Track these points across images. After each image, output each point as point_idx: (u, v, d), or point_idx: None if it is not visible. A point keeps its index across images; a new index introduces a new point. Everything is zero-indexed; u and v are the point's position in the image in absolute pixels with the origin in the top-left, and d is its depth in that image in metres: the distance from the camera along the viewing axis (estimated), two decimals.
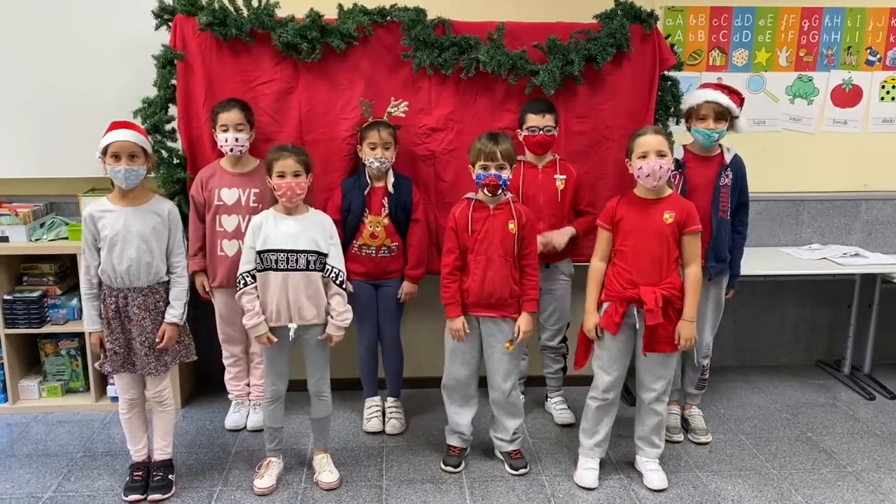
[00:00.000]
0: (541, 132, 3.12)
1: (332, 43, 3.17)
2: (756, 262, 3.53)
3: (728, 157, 3.12)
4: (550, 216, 3.18)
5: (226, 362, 3.39)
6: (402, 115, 3.21)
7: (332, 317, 2.79)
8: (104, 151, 2.60)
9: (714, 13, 3.75)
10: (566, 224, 3.24)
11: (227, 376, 3.42)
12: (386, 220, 3.19)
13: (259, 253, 2.72)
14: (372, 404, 3.43)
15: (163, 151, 3.25)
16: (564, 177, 3.20)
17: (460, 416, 3.02)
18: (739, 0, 3.74)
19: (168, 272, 2.75)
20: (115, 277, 2.66)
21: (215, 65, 3.22)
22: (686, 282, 2.78)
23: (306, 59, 3.19)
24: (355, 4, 3.23)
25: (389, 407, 3.43)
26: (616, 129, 3.39)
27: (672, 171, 3.02)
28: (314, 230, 2.76)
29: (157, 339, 2.71)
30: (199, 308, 3.32)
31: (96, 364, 2.79)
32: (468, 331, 2.88)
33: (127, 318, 2.69)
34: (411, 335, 3.63)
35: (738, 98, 3.09)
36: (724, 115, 3.04)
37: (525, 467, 3.00)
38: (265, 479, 2.87)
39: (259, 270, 2.73)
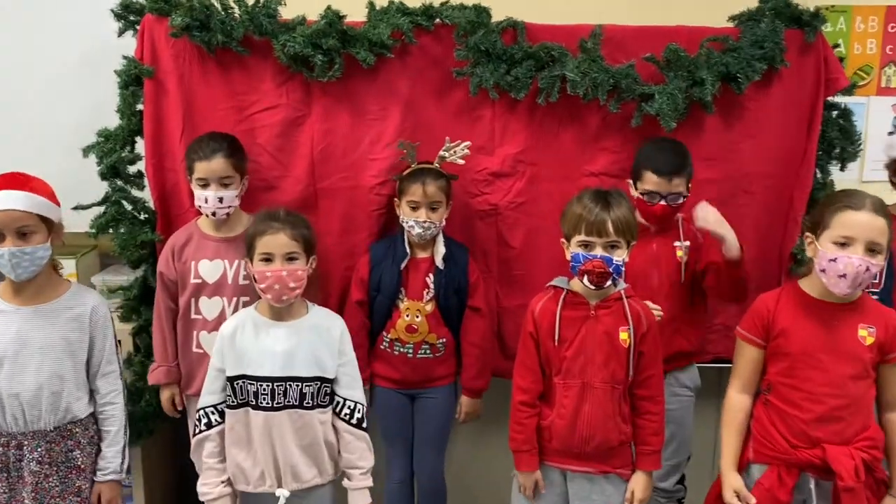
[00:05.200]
0: (663, 201, 2.16)
1: (358, 55, 2.28)
2: None
3: None
4: (667, 301, 2.22)
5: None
6: (461, 161, 2.31)
7: (349, 478, 1.94)
8: None
9: (891, 14, 2.74)
10: (687, 314, 2.29)
11: None
12: (430, 307, 2.29)
13: (230, 380, 1.85)
14: None
15: (124, 203, 2.41)
16: (688, 244, 2.26)
17: None
18: None
19: (90, 402, 1.89)
20: (3, 416, 1.80)
21: (197, 84, 2.38)
22: (891, 435, 1.82)
23: (321, 78, 2.31)
24: (392, 2, 2.34)
25: None
26: (758, 177, 2.47)
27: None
28: (316, 344, 1.90)
29: None
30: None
31: None
32: (544, 490, 1.94)
33: (18, 478, 1.81)
34: (461, 460, 2.71)
35: None
36: None
37: None
38: None
39: (231, 406, 1.87)
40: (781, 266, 2.48)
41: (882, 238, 1.73)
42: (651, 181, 2.17)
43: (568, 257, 1.90)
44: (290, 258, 1.87)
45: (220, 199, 2.19)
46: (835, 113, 2.45)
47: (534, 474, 1.94)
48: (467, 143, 2.32)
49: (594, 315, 1.90)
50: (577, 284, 1.92)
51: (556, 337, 1.89)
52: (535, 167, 2.45)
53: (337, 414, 1.95)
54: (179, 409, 2.32)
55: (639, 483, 1.91)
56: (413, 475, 2.43)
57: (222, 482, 1.91)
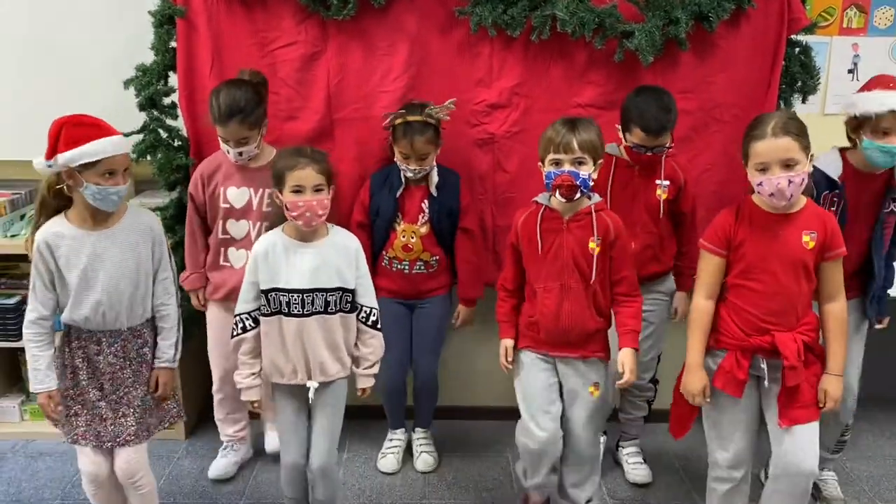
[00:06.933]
0: (650, 152, 2.39)
1: None
2: None
3: None
4: (646, 234, 2.48)
5: (216, 397, 2.68)
6: (447, 117, 2.53)
7: (358, 365, 2.23)
8: (86, 165, 1.94)
9: None
10: (663, 242, 2.53)
11: (217, 415, 2.73)
12: (424, 229, 2.57)
13: (265, 292, 2.12)
14: (393, 437, 2.82)
15: (160, 131, 2.66)
16: (668, 183, 2.46)
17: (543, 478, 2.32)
18: None
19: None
20: (86, 320, 2.07)
21: (224, 23, 2.60)
22: (828, 323, 2.08)
23: (336, 16, 2.54)
24: None
25: (419, 439, 2.82)
26: (727, 107, 2.70)
27: (826, 193, 2.31)
28: (337, 260, 2.15)
29: (150, 389, 2.16)
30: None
31: (60, 430, 2.17)
32: (509, 363, 2.29)
33: (97, 369, 2.09)
34: (456, 356, 3.00)
35: None
36: None
37: None
38: None
39: (266, 314, 2.14)
40: (746, 188, 2.75)
41: (790, 153, 1.92)
42: (639, 136, 2.34)
43: (544, 178, 2.13)
44: (317, 189, 2.06)
45: (240, 154, 2.40)
46: (797, 50, 2.66)
47: (506, 342, 2.28)
48: (453, 99, 2.51)
49: (567, 228, 2.15)
50: (554, 202, 2.16)
51: (540, 246, 2.16)
52: (528, 99, 2.67)
53: (357, 317, 2.22)
54: (203, 303, 2.61)
55: (627, 357, 2.13)
56: (406, 374, 2.69)
57: (252, 374, 2.18)
